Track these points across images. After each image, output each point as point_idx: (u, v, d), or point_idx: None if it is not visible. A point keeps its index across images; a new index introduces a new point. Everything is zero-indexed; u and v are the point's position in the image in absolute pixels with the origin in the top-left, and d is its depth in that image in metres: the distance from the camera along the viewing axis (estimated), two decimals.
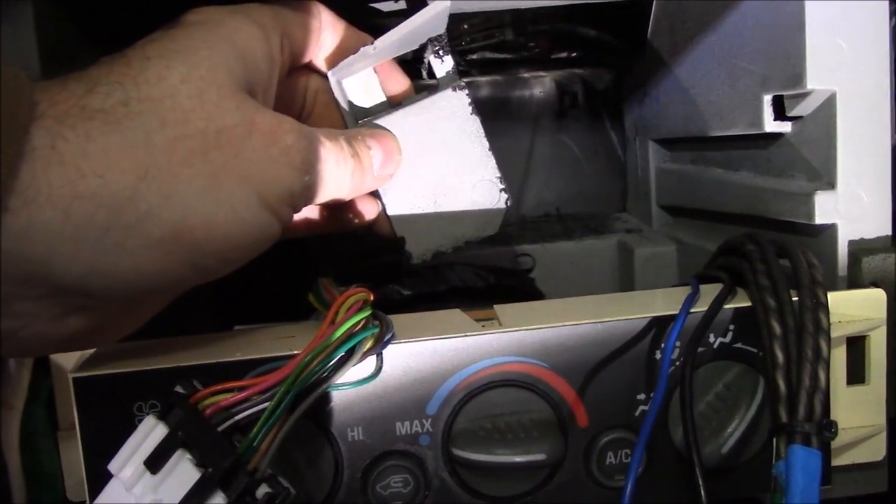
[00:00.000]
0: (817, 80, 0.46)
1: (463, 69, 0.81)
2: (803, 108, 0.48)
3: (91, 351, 0.42)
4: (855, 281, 0.47)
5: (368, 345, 0.40)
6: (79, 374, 0.39)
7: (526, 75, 0.80)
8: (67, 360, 0.45)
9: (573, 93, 0.79)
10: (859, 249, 0.47)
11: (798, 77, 0.47)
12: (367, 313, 0.39)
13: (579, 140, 0.80)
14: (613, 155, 0.80)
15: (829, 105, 0.47)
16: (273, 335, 0.45)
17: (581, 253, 0.70)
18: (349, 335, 0.38)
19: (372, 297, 0.41)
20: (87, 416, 0.39)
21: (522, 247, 0.70)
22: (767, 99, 0.51)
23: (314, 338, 0.38)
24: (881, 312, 0.46)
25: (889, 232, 0.48)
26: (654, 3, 0.65)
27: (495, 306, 0.48)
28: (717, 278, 0.49)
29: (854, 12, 0.46)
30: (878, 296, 0.46)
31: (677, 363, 0.43)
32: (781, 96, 0.50)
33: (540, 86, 0.79)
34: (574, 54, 0.82)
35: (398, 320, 0.43)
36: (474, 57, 0.82)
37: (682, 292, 0.46)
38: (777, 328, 0.41)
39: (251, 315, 0.59)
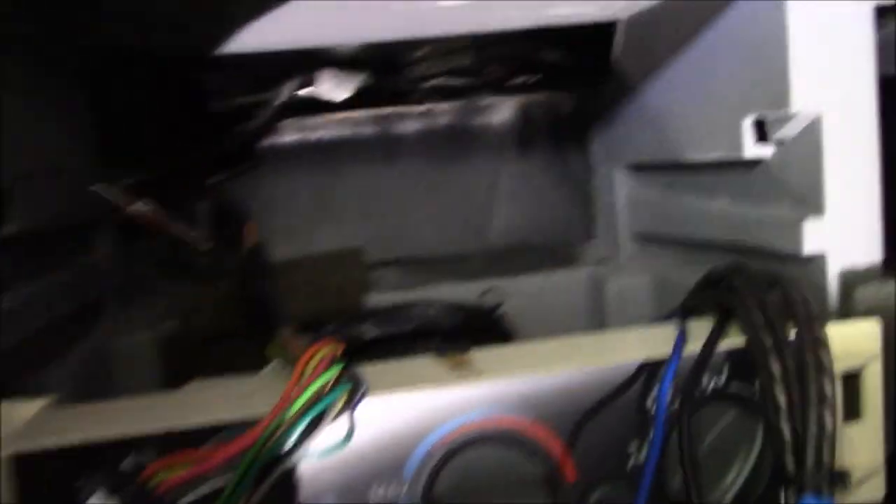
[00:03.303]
0: (802, 101, 0.44)
1: (418, 98, 0.78)
2: (787, 132, 0.46)
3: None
4: (847, 311, 0.45)
5: (340, 405, 0.36)
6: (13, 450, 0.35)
7: (486, 101, 0.77)
8: None
9: (536, 119, 0.77)
10: (850, 278, 0.45)
11: (782, 99, 0.44)
12: (337, 370, 0.36)
13: (544, 167, 0.77)
14: (579, 182, 0.77)
15: (814, 128, 0.44)
16: (231, 393, 0.41)
17: (551, 286, 0.67)
18: (318, 396, 0.35)
19: (340, 350, 0.38)
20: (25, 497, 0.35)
21: (490, 281, 0.67)
22: (748, 122, 0.48)
23: (279, 400, 0.35)
24: (875, 345, 0.43)
25: (879, 259, 0.46)
26: (620, 25, 0.63)
27: (471, 351, 0.44)
28: (702, 313, 0.46)
29: (838, 30, 0.44)
30: (872, 327, 0.44)
31: (672, 408, 0.40)
32: (763, 119, 0.47)
33: (501, 112, 0.77)
34: (534, 79, 0.80)
35: (365, 370, 0.39)
36: (430, 84, 0.79)
37: (668, 331, 0.43)
38: (776, 369, 0.39)
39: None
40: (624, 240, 0.70)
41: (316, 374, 0.35)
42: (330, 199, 0.75)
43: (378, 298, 0.65)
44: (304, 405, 0.34)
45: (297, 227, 0.74)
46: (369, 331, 0.60)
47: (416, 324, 0.61)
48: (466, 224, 0.76)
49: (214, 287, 0.62)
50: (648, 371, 0.40)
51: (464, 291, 0.67)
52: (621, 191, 0.69)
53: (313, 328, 0.58)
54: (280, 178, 0.74)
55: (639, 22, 0.61)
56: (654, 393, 0.40)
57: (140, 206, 0.58)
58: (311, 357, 0.36)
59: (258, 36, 0.54)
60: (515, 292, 0.66)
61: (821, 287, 0.45)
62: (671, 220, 0.61)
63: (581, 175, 0.77)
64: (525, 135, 0.77)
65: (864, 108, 0.44)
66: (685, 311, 0.47)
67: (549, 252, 0.74)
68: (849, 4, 0.43)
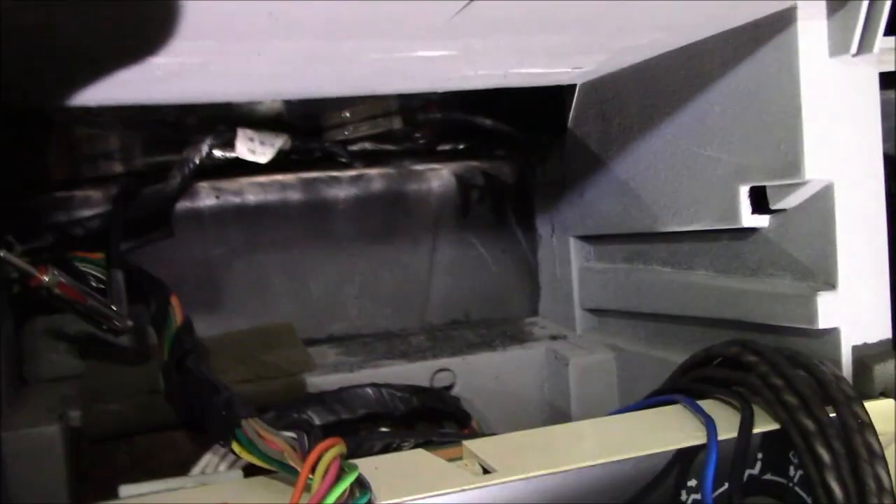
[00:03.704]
0: (815, 168, 0.42)
1: (346, 161, 0.73)
2: (791, 201, 0.44)
3: None
4: (863, 390, 0.42)
5: None
6: None
7: (420, 168, 0.73)
8: None
9: (476, 187, 0.73)
10: (865, 356, 0.42)
11: (793, 167, 0.42)
12: (354, 475, 0.29)
13: (484, 238, 0.73)
14: (523, 254, 0.73)
15: (824, 196, 0.42)
16: (194, 501, 0.34)
17: (507, 364, 0.62)
18: None
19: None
20: None
21: (440, 360, 0.61)
22: (744, 190, 0.46)
23: None
24: (892, 425, 0.41)
25: (889, 335, 0.43)
26: (578, 88, 0.60)
27: (465, 442, 0.39)
28: (704, 393, 0.43)
29: (849, 95, 0.42)
30: (889, 407, 0.41)
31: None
32: (763, 187, 0.45)
33: (438, 179, 0.72)
34: (463, 146, 0.76)
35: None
36: (356, 148, 0.74)
37: (677, 414, 0.40)
38: (826, 456, 0.35)
39: None
40: (577, 313, 0.66)
41: (329, 483, 0.29)
42: (253, 270, 0.68)
43: (314, 381, 0.59)
44: None
45: (217, 301, 0.66)
46: (317, 416, 0.53)
47: (367, 408, 0.55)
48: (404, 298, 0.71)
49: (136, 370, 0.54)
50: (683, 461, 0.36)
51: (408, 371, 0.61)
52: (575, 263, 0.66)
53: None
54: (198, 245, 0.66)
55: (599, 86, 0.59)
56: (689, 484, 0.36)
57: (50, 277, 0.49)
58: (318, 460, 0.30)
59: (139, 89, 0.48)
60: (469, 372, 0.61)
61: (835, 363, 0.42)
62: (636, 292, 0.58)
63: (525, 246, 0.73)
64: (465, 204, 0.73)
65: (874, 176, 0.43)
66: (683, 391, 0.43)
67: (497, 327, 0.69)
68: (859, 68, 0.42)
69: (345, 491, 0.29)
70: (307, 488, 0.29)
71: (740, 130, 0.46)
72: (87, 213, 0.63)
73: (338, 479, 0.29)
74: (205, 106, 0.63)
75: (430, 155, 0.74)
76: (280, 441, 0.34)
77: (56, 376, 0.58)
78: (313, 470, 0.30)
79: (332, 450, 0.30)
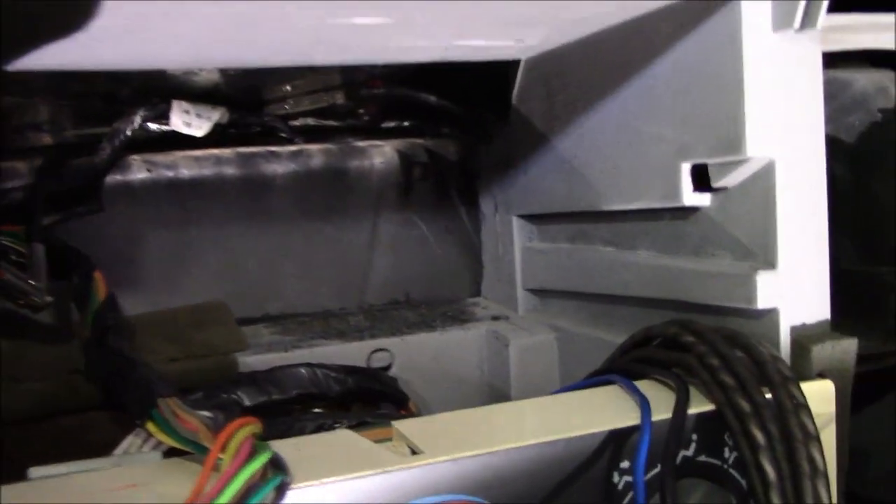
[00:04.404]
0: (757, 145, 0.41)
1: (286, 136, 0.70)
2: (733, 179, 0.43)
3: None
4: (801, 371, 0.42)
5: (271, 500, 0.28)
6: None
7: (362, 144, 0.71)
8: None
9: (419, 164, 0.71)
10: (804, 336, 0.42)
11: (734, 143, 0.41)
12: (266, 457, 0.28)
13: (427, 217, 0.71)
14: (466, 234, 0.72)
15: (765, 175, 0.42)
16: (100, 485, 0.32)
17: (446, 345, 0.61)
18: (247, 492, 0.27)
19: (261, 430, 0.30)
20: None
21: (377, 340, 0.60)
22: (686, 168, 0.45)
23: (190, 497, 0.26)
24: (830, 407, 0.41)
25: (828, 316, 0.43)
26: (522, 64, 0.59)
27: (394, 423, 0.38)
28: (642, 374, 0.42)
29: (793, 71, 0.41)
30: (826, 388, 0.41)
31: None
32: (705, 165, 0.44)
33: (381, 156, 0.70)
34: (407, 124, 0.75)
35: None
36: (297, 124, 0.72)
37: (614, 395, 0.39)
38: (761, 437, 0.34)
39: None
40: (520, 294, 0.65)
41: (239, 463, 0.27)
42: (186, 247, 0.65)
43: (247, 360, 0.57)
44: (230, 503, 0.26)
45: (148, 278, 0.64)
46: (248, 396, 0.51)
47: (300, 388, 0.53)
48: (343, 277, 0.69)
49: (57, 348, 0.52)
50: (616, 442, 0.35)
51: (344, 351, 0.59)
52: (518, 242, 0.65)
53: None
54: (128, 221, 0.64)
55: (543, 62, 0.57)
56: (622, 466, 0.35)
57: None
58: (229, 439, 0.28)
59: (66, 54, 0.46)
60: (407, 352, 0.60)
61: (773, 344, 0.42)
62: (579, 273, 0.57)
63: (469, 226, 0.72)
64: (407, 182, 0.71)
65: (816, 155, 0.42)
66: (621, 372, 0.42)
67: (438, 308, 0.68)
68: (802, 44, 0.41)
69: (256, 472, 0.27)
70: (217, 468, 0.28)
71: (684, 107, 0.45)
72: (9, 184, 0.60)
73: (249, 459, 0.27)
74: (138, 76, 0.60)
75: (374, 132, 0.73)
76: (195, 420, 0.33)
77: None
78: (224, 450, 0.28)
79: (245, 429, 0.29)
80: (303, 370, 0.54)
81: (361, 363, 0.59)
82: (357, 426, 0.44)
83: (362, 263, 0.70)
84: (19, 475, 0.37)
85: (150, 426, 0.35)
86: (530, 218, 0.64)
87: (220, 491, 0.26)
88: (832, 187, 0.43)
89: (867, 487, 0.60)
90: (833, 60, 0.45)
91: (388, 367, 0.60)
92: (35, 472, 0.35)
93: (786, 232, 0.41)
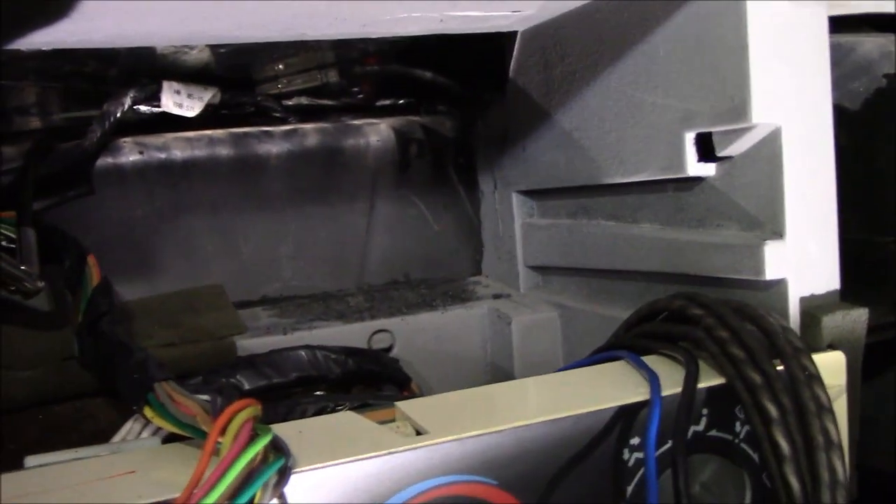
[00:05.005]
0: (763, 112, 0.40)
1: (280, 116, 0.69)
2: (738, 147, 0.42)
3: None
4: (811, 342, 0.41)
5: (272, 485, 0.27)
6: None
7: (357, 122, 0.69)
8: None
9: (416, 142, 0.70)
10: (814, 307, 0.41)
11: (739, 110, 0.40)
12: (266, 439, 0.27)
13: (425, 195, 0.70)
14: (465, 211, 0.71)
15: (772, 142, 0.41)
16: (99, 472, 0.31)
17: (448, 325, 0.60)
18: (249, 476, 0.26)
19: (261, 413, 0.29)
20: None
21: (378, 321, 0.59)
22: (690, 137, 0.44)
23: (190, 481, 0.25)
24: (842, 378, 0.40)
25: (838, 286, 0.42)
26: (519, 36, 0.58)
27: (397, 403, 0.37)
28: (649, 349, 0.41)
29: (798, 37, 0.40)
30: (838, 359, 0.40)
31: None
32: (709, 134, 0.43)
33: (376, 134, 0.69)
34: (402, 101, 0.73)
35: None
36: (290, 103, 0.71)
37: (621, 370, 0.38)
38: (773, 410, 0.34)
39: None
40: (521, 271, 0.64)
41: (239, 447, 0.26)
42: (180, 230, 0.64)
43: (245, 344, 0.56)
44: (230, 488, 0.25)
45: (142, 262, 0.63)
46: (247, 380, 0.50)
47: (300, 371, 0.52)
48: (341, 258, 0.68)
49: (50, 335, 0.51)
50: (625, 418, 0.35)
51: (344, 333, 0.58)
52: (518, 219, 0.64)
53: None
54: (121, 204, 0.63)
55: (540, 33, 0.56)
56: (632, 442, 0.34)
57: None
58: (228, 422, 0.27)
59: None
60: (408, 332, 0.59)
61: (782, 315, 0.41)
62: (581, 248, 0.56)
63: (467, 203, 0.71)
64: (404, 160, 0.70)
65: (822, 121, 0.41)
66: (628, 347, 0.41)
67: (438, 287, 0.67)
68: (807, 8, 0.40)
69: (256, 455, 0.26)
70: (217, 452, 0.27)
71: (686, 75, 0.43)
72: None
73: (249, 442, 0.26)
74: (126, 56, 0.59)
75: (369, 110, 0.71)
76: (193, 404, 0.32)
77: None
78: (223, 433, 0.27)
79: (244, 412, 0.28)
80: (302, 353, 0.53)
81: (362, 345, 0.58)
82: (359, 408, 0.43)
83: (360, 243, 0.69)
84: (14, 464, 0.36)
85: (148, 411, 0.34)
86: (530, 194, 0.63)
87: (220, 476, 0.25)
88: (836, 155, 0.42)
89: (873, 458, 0.60)
90: (836, 25, 0.44)
91: (389, 349, 0.59)
92: (31, 460, 0.35)
93: (793, 200, 0.40)
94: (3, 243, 0.51)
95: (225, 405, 0.28)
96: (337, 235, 0.68)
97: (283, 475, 0.28)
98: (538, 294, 0.63)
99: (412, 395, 0.55)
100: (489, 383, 0.62)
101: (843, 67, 0.57)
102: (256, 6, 0.44)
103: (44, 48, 0.49)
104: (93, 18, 0.43)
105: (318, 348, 0.54)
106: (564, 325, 0.59)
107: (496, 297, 0.63)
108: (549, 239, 0.60)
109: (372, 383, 0.56)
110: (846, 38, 0.56)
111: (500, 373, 0.60)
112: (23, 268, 0.49)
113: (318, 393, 0.53)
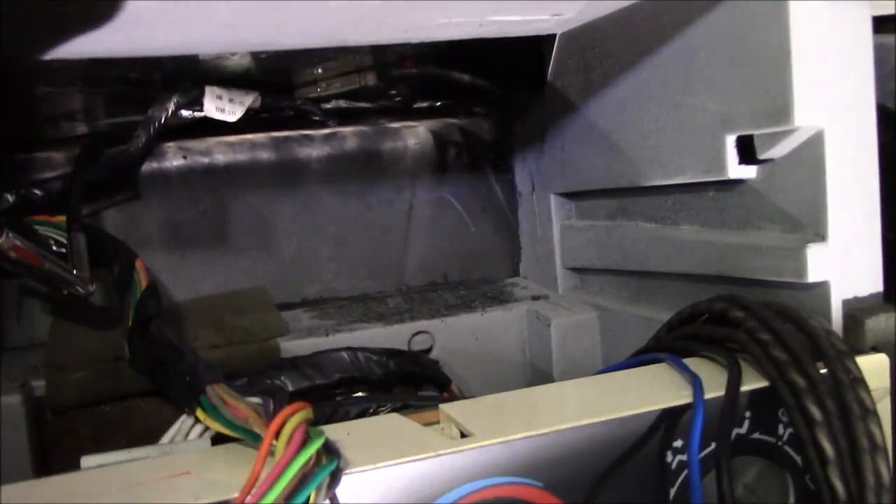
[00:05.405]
0: (805, 115, 0.40)
1: (319, 119, 0.70)
2: (780, 150, 0.42)
3: None
4: (854, 345, 0.41)
5: (326, 485, 0.28)
6: None
7: (395, 125, 0.70)
8: None
9: (453, 144, 0.70)
10: (856, 310, 0.41)
11: (782, 113, 0.40)
12: (320, 441, 0.28)
13: (463, 197, 0.71)
14: (502, 213, 0.71)
15: (814, 144, 0.40)
16: (155, 473, 0.32)
17: (487, 326, 0.60)
18: (304, 477, 0.26)
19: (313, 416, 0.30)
20: None
21: (418, 323, 0.59)
22: (731, 140, 0.44)
23: (247, 483, 0.26)
24: (885, 381, 0.40)
25: (881, 288, 0.42)
26: (558, 39, 0.58)
27: (441, 406, 0.37)
28: (690, 351, 0.41)
29: (841, 37, 0.40)
30: (881, 362, 0.40)
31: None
32: (750, 136, 0.43)
33: (414, 137, 0.70)
34: (440, 103, 0.74)
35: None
36: (329, 106, 0.71)
37: (662, 373, 0.39)
38: (817, 413, 0.34)
39: None
40: (560, 273, 0.64)
41: (294, 449, 0.27)
42: (223, 233, 0.65)
43: (287, 345, 0.57)
44: (286, 490, 0.26)
45: (187, 265, 0.64)
46: (291, 382, 0.51)
47: (343, 372, 0.53)
48: (380, 259, 0.69)
49: (100, 336, 0.52)
50: (668, 421, 0.35)
51: (385, 334, 0.59)
52: (556, 221, 0.64)
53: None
54: (165, 208, 0.64)
55: (579, 36, 0.56)
56: (675, 445, 0.35)
57: (5, 240, 0.47)
58: (282, 425, 0.28)
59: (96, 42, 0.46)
60: (448, 334, 0.59)
61: (825, 318, 0.41)
62: (620, 250, 0.56)
63: (505, 205, 0.71)
64: (442, 162, 0.70)
65: (866, 122, 0.41)
66: (668, 350, 0.42)
67: (477, 289, 0.68)
68: (850, 9, 0.40)
69: (310, 458, 0.27)
70: (271, 455, 0.27)
71: (726, 76, 0.43)
72: (47, 174, 0.60)
73: (303, 445, 0.27)
74: (169, 61, 0.60)
75: (406, 112, 0.72)
76: (244, 407, 0.32)
77: (20, 345, 0.56)
78: (277, 436, 0.28)
79: (298, 415, 0.28)
80: (345, 354, 0.54)
81: (402, 346, 0.59)
82: (401, 409, 0.44)
83: (399, 245, 0.69)
84: (66, 464, 0.37)
85: (200, 413, 0.35)
86: (568, 195, 0.64)
87: (276, 478, 0.26)
88: (885, 157, 0.42)
89: None
90: (876, 25, 0.43)
91: (429, 350, 0.60)
92: (87, 460, 0.36)
93: (836, 203, 0.40)
94: (54, 248, 0.53)
95: (278, 408, 0.29)
96: (376, 237, 0.69)
97: (336, 477, 0.28)
98: (577, 295, 0.63)
99: (452, 396, 0.56)
100: (528, 385, 0.63)
101: (885, 67, 0.56)
102: (303, 15, 0.44)
103: (93, 56, 0.51)
104: (138, 28, 0.44)
105: (360, 350, 0.54)
106: (603, 327, 0.59)
107: (535, 298, 0.64)
108: (587, 240, 0.60)
109: (412, 384, 0.57)
110: (887, 38, 0.56)
111: (539, 374, 0.61)
112: (74, 272, 0.50)
113: (359, 394, 0.54)
